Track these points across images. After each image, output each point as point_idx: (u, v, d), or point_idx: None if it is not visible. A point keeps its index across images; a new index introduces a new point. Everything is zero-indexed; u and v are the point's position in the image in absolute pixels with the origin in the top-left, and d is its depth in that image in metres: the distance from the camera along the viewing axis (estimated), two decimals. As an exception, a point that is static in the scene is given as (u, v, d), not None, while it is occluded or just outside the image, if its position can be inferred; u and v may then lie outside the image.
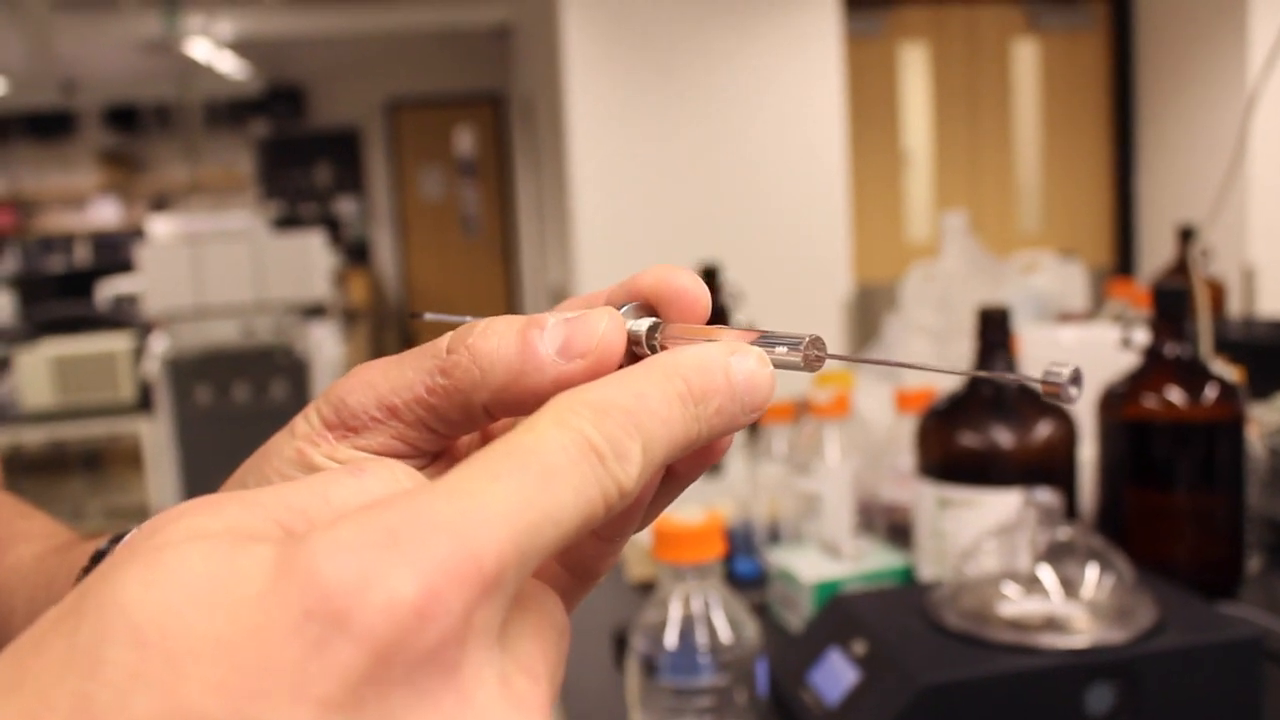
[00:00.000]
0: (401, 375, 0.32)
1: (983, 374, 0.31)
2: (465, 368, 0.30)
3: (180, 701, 0.21)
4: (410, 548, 0.22)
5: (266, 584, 0.22)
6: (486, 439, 0.35)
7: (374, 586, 0.22)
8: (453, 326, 0.34)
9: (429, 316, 0.38)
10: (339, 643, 0.22)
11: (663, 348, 0.31)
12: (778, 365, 0.30)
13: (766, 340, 0.31)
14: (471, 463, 0.25)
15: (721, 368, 0.29)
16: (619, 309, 0.32)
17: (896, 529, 1.29)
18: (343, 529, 0.23)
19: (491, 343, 0.30)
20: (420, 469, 0.32)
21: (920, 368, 0.32)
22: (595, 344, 0.30)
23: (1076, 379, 0.28)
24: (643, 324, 0.32)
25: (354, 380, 0.32)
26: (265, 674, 0.21)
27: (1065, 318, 1.90)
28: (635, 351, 0.31)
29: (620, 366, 0.30)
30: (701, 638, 0.83)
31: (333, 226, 9.16)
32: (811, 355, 0.30)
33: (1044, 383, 0.29)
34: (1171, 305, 1.15)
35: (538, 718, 0.24)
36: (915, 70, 5.14)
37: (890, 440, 1.34)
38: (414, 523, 0.23)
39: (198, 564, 0.22)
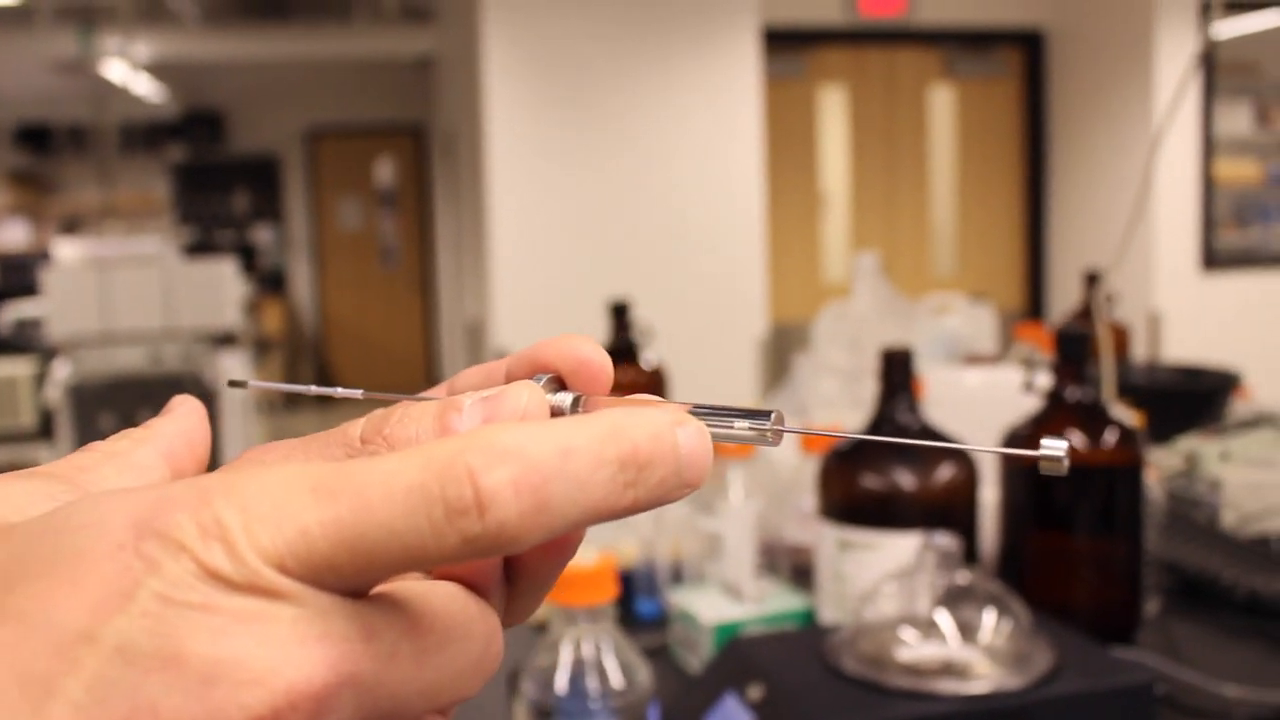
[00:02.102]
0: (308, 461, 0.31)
1: (994, 450, 0.32)
2: None
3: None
4: (203, 502, 0.24)
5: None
6: None
7: (174, 526, 0.24)
8: (284, 395, 0.33)
9: (252, 384, 0.37)
10: (143, 565, 0.24)
11: None
12: (733, 440, 0.30)
13: (707, 412, 0.30)
14: (310, 465, 0.26)
15: (670, 437, 0.27)
16: (532, 381, 0.31)
17: (800, 570, 1.28)
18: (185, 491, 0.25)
19: (410, 431, 0.30)
20: None
21: (924, 446, 0.32)
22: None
23: (1071, 454, 0.29)
24: (565, 398, 0.31)
25: (251, 464, 0.31)
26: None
27: (973, 360, 1.92)
28: None
29: None
30: (593, 682, 0.81)
31: (249, 254, 9.04)
32: (776, 430, 0.29)
33: (1043, 458, 0.29)
34: (1072, 349, 1.16)
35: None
36: (834, 112, 5.20)
37: (795, 481, 1.33)
38: (212, 490, 0.25)
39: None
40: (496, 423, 0.29)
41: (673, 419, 0.28)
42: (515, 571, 0.31)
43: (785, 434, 0.30)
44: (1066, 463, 0.29)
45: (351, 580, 0.25)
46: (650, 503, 0.27)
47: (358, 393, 0.35)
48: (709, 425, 0.29)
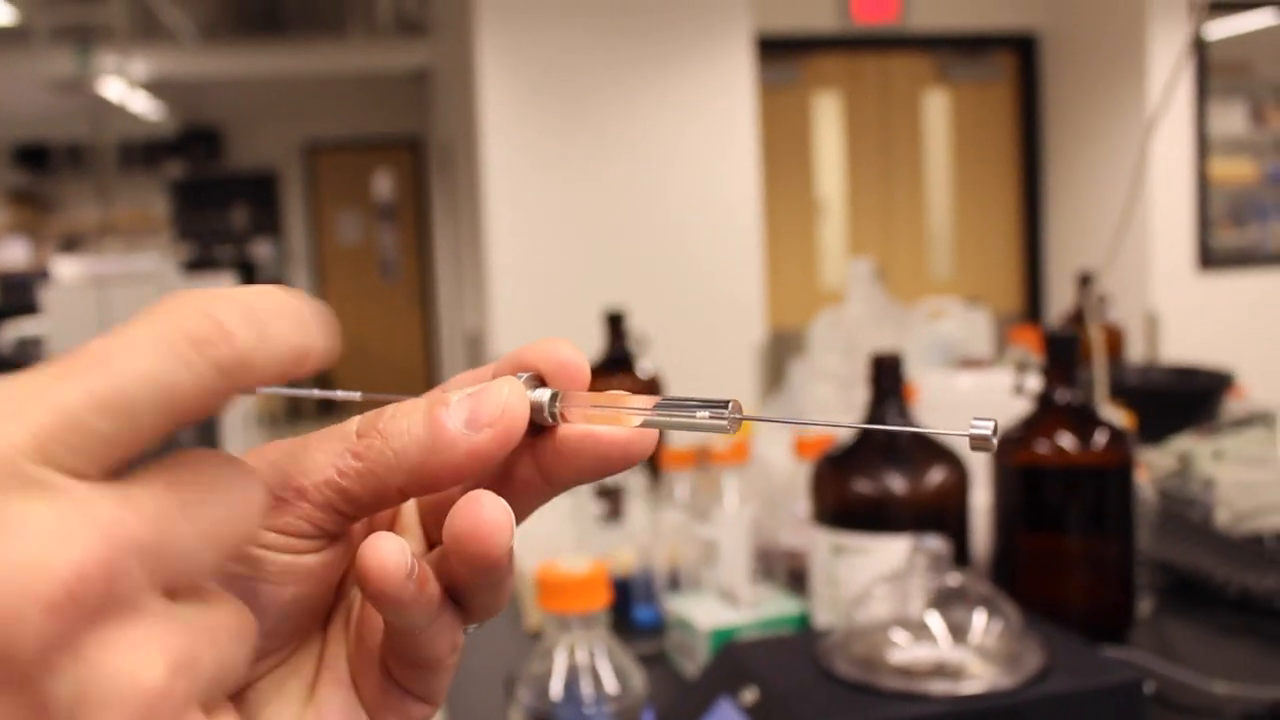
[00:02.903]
0: (310, 458, 0.32)
1: (913, 429, 0.34)
2: (379, 450, 0.32)
3: None
4: None
5: None
6: (373, 527, 0.35)
7: None
8: (302, 399, 0.35)
9: (262, 389, 0.39)
10: None
11: (563, 416, 0.33)
12: (695, 429, 0.32)
13: (671, 405, 0.32)
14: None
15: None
16: (514, 377, 0.33)
17: (796, 575, 1.29)
18: None
19: (402, 424, 0.32)
20: (317, 551, 0.33)
21: (847, 426, 0.33)
22: (500, 413, 0.31)
23: (997, 430, 0.30)
24: (544, 393, 0.33)
25: (255, 461, 0.32)
26: None
27: (967, 364, 1.92)
28: (536, 420, 0.33)
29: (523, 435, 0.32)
30: (587, 688, 0.82)
31: (248, 270, 9.05)
32: (733, 418, 0.31)
33: (971, 436, 0.30)
34: (1062, 352, 1.17)
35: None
36: (829, 119, 5.22)
37: (790, 486, 1.34)
38: None
39: None
40: (515, 408, 0.31)
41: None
42: (457, 590, 0.33)
43: (756, 427, 0.32)
44: (995, 441, 0.30)
45: (121, 444, 0.26)
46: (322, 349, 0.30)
47: (356, 395, 0.37)
48: (672, 416, 0.31)
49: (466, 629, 0.34)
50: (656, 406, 0.32)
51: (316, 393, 0.38)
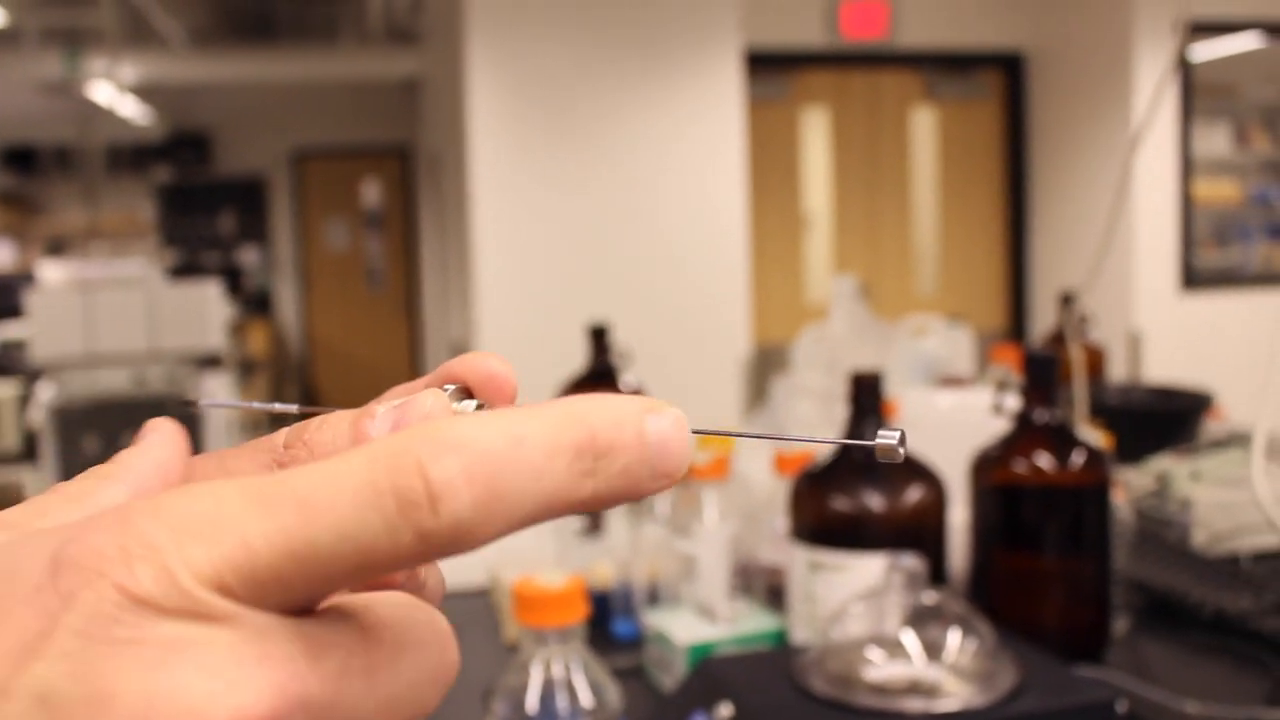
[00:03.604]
0: (239, 468, 0.32)
1: (818, 440, 0.33)
2: (303, 461, 0.31)
3: None
4: (125, 530, 0.23)
5: None
6: None
7: (94, 559, 0.23)
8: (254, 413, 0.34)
9: (204, 403, 0.40)
10: (56, 607, 0.22)
11: None
12: None
13: None
14: (245, 479, 0.25)
15: (635, 424, 0.26)
16: (439, 389, 0.33)
17: (775, 591, 1.29)
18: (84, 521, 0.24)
19: (327, 435, 0.31)
20: None
21: (757, 436, 0.34)
22: None
23: (904, 440, 0.30)
24: (468, 404, 0.33)
25: (190, 472, 0.32)
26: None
27: (948, 382, 1.93)
28: None
29: None
30: (563, 702, 0.82)
31: (235, 276, 9.04)
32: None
33: (878, 446, 0.30)
34: (1041, 372, 1.18)
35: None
36: (817, 135, 5.24)
37: (770, 503, 1.35)
38: (134, 510, 0.24)
39: None
40: (435, 419, 0.28)
41: (643, 406, 0.27)
42: None
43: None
44: (902, 451, 0.30)
45: (300, 593, 0.24)
46: (614, 494, 0.26)
47: (293, 408, 0.37)
48: None
49: None
50: None
51: (258, 405, 0.39)
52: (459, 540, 0.24)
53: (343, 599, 0.26)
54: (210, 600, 0.23)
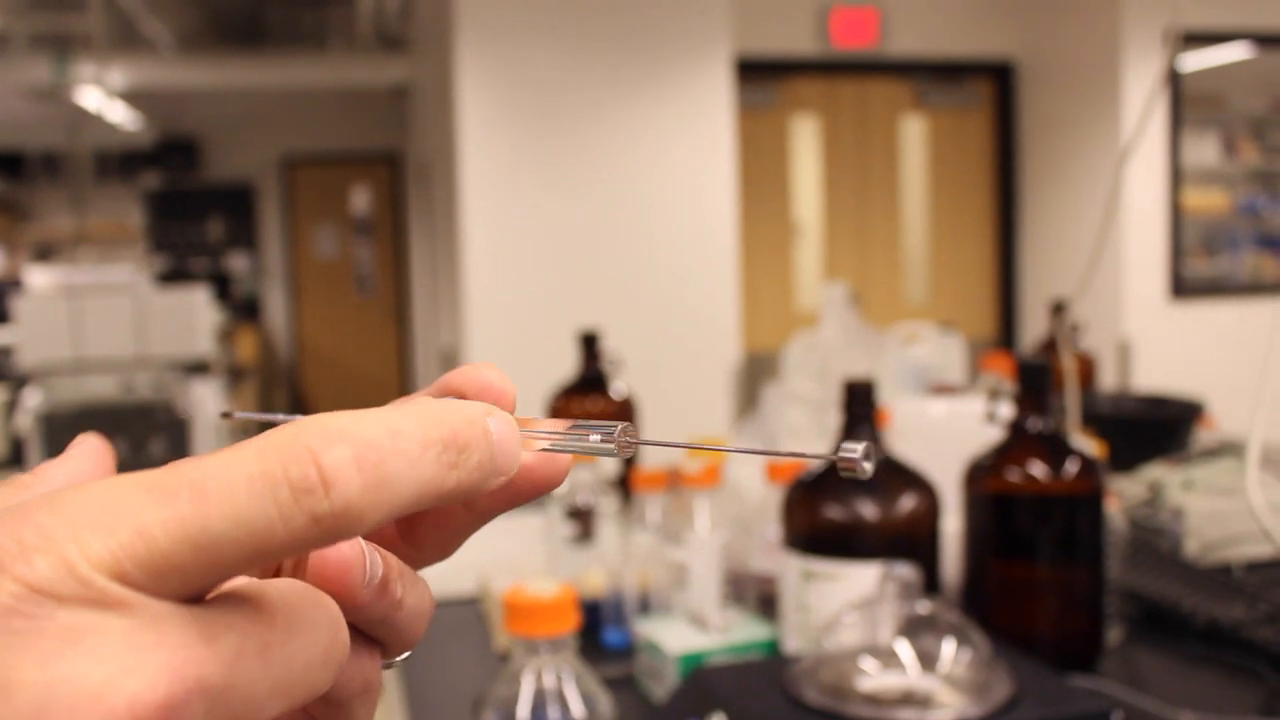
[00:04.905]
0: None
1: (783, 453, 0.33)
2: None
3: None
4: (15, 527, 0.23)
5: None
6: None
7: None
8: (269, 425, 0.34)
9: (239, 415, 0.40)
10: None
11: None
12: (590, 453, 0.32)
13: (579, 428, 0.32)
14: (140, 473, 0.25)
15: (482, 424, 0.29)
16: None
17: (767, 600, 1.28)
18: None
19: None
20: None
21: (724, 450, 0.33)
22: None
23: (869, 455, 0.30)
24: None
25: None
26: None
27: (939, 390, 1.93)
28: None
29: None
30: (554, 712, 0.81)
31: (223, 282, 9.01)
32: (623, 441, 0.31)
33: (839, 459, 0.30)
34: (1034, 380, 1.17)
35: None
36: (807, 142, 5.24)
37: (762, 511, 1.34)
38: (32, 506, 0.24)
39: None
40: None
41: (484, 409, 0.29)
42: (374, 623, 0.31)
43: (645, 447, 0.32)
44: (868, 466, 0.30)
45: (197, 579, 0.24)
46: (470, 486, 0.28)
47: (279, 417, 0.36)
48: (568, 440, 0.32)
49: (386, 664, 0.33)
50: (570, 429, 0.32)
51: (280, 417, 0.38)
52: (347, 524, 0.25)
53: (236, 584, 0.26)
54: (108, 587, 0.23)
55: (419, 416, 0.27)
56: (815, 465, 1.15)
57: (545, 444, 0.32)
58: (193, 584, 0.24)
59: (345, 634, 0.27)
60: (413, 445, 0.26)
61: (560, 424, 0.32)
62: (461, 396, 0.33)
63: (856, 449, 0.30)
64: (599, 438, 0.31)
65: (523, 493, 0.33)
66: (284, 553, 0.25)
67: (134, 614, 0.23)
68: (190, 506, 0.24)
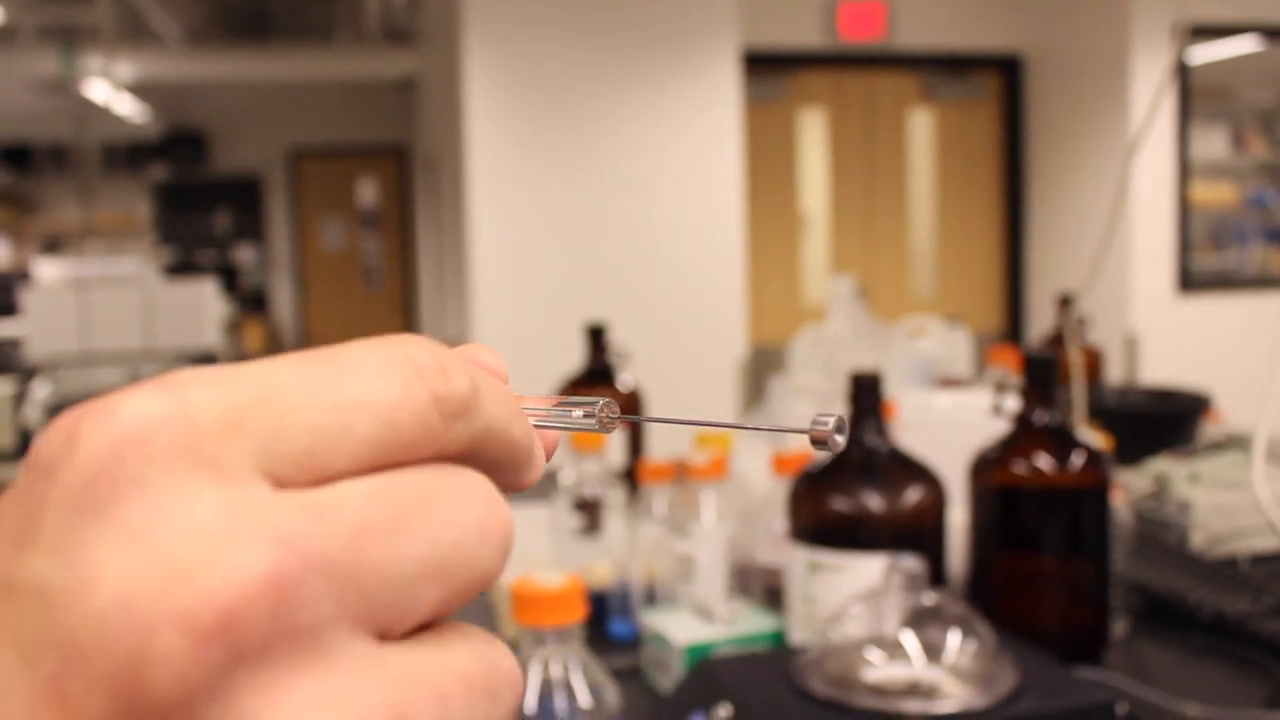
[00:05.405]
0: None
1: (753, 427, 0.33)
2: None
3: None
4: (119, 398, 0.21)
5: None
6: None
7: (70, 431, 0.20)
8: None
9: None
10: (39, 485, 0.20)
11: None
12: (574, 429, 0.32)
13: (565, 404, 0.33)
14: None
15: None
16: None
17: (773, 592, 1.29)
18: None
19: None
20: None
21: (702, 424, 0.33)
22: None
23: (841, 428, 0.29)
24: None
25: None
26: None
27: (946, 383, 1.93)
28: None
29: None
30: (561, 703, 0.82)
31: (231, 274, 9.03)
32: (604, 417, 0.32)
33: (811, 431, 0.30)
34: (1041, 373, 1.18)
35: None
36: (814, 135, 5.24)
37: (768, 503, 1.34)
38: (146, 383, 0.21)
39: None
40: None
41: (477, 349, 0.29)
42: None
43: (649, 428, 0.33)
44: (840, 439, 0.29)
45: (324, 462, 0.22)
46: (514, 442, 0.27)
47: None
48: (553, 412, 0.32)
49: None
50: (555, 405, 0.32)
51: None
52: (464, 409, 0.24)
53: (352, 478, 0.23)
54: (211, 449, 0.20)
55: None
56: (821, 457, 1.15)
57: (531, 420, 0.33)
58: (317, 465, 0.22)
59: (503, 506, 0.24)
60: (488, 382, 0.26)
61: (545, 401, 0.33)
62: None
63: (828, 421, 0.29)
64: (582, 413, 0.32)
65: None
66: (409, 441, 0.23)
67: (238, 485, 0.20)
68: (323, 370, 0.22)
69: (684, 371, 4.25)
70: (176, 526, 0.19)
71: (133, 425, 0.20)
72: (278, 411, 0.21)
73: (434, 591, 0.22)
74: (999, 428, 1.20)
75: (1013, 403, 1.20)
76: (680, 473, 1.36)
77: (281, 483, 0.21)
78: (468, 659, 0.23)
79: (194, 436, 0.20)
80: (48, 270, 4.78)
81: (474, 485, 0.24)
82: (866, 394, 1.12)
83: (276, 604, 0.19)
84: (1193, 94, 4.87)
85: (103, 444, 0.20)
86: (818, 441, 0.30)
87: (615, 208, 4.39)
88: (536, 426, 0.33)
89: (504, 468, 0.26)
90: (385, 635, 0.21)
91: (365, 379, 0.22)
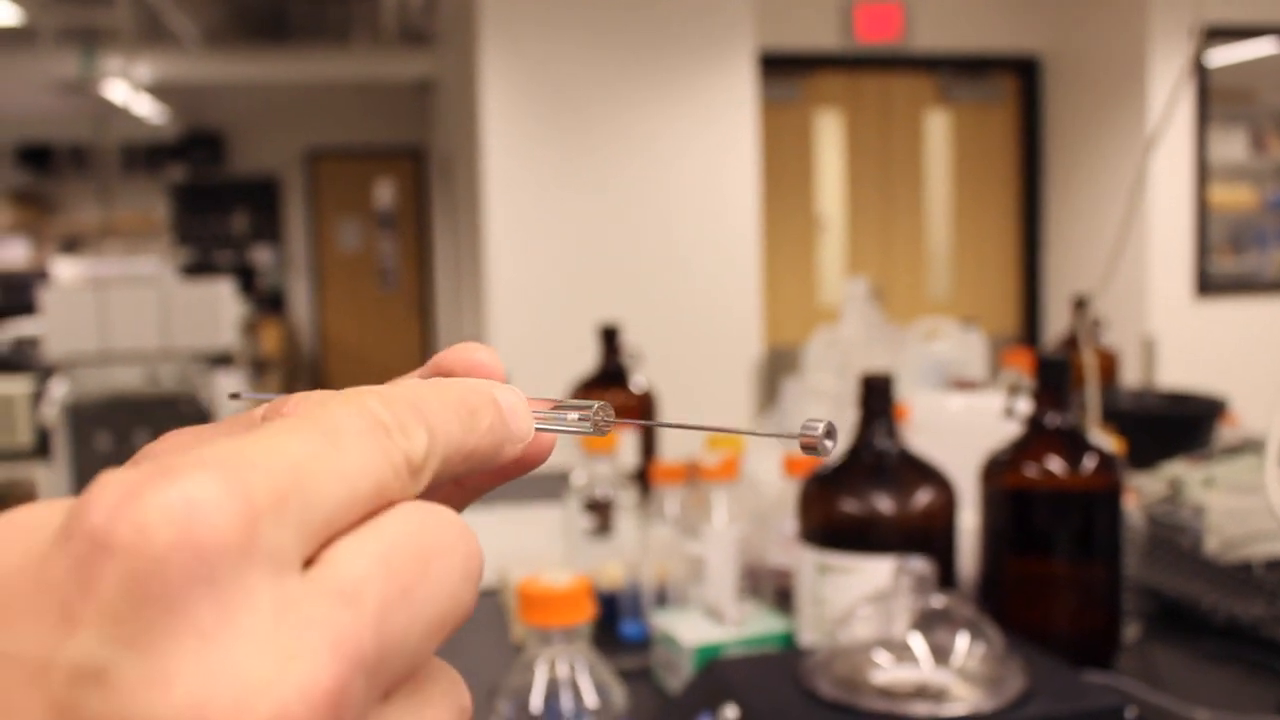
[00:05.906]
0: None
1: (749, 432, 0.33)
2: None
3: None
4: (177, 475, 0.21)
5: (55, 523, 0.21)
6: None
7: (129, 506, 0.20)
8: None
9: (246, 395, 0.40)
10: (95, 560, 0.20)
11: None
12: (570, 432, 0.33)
13: (561, 406, 0.33)
14: (265, 426, 0.25)
15: (489, 392, 0.30)
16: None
17: (783, 594, 1.28)
18: (125, 470, 0.21)
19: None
20: None
21: (693, 428, 0.34)
22: None
23: (830, 433, 0.30)
24: None
25: (168, 443, 0.31)
26: (29, 597, 0.20)
27: (960, 385, 1.93)
28: None
29: None
30: (567, 702, 0.82)
31: (248, 275, 9.06)
32: (599, 420, 0.32)
33: (800, 436, 0.30)
34: (1053, 376, 1.17)
35: (320, 660, 0.21)
36: (830, 137, 5.23)
37: (779, 505, 1.34)
38: (190, 459, 0.21)
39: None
40: None
41: (491, 384, 0.30)
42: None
43: (651, 432, 0.33)
44: (829, 444, 0.29)
45: (331, 533, 0.23)
46: (490, 447, 0.29)
47: (263, 395, 0.37)
48: (550, 415, 0.33)
49: None
50: (553, 407, 0.33)
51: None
52: (427, 460, 0.26)
53: (347, 535, 0.24)
54: (268, 544, 0.21)
55: (429, 384, 0.29)
56: (833, 458, 1.15)
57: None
58: (333, 528, 0.23)
59: (475, 543, 0.25)
60: (438, 407, 0.27)
61: (542, 404, 0.33)
62: (454, 376, 0.33)
63: (817, 426, 0.30)
64: (577, 416, 0.32)
65: (508, 470, 0.33)
66: (390, 493, 0.24)
67: (284, 572, 0.21)
68: (327, 444, 0.23)
69: (698, 373, 4.25)
70: (245, 632, 0.20)
71: (201, 514, 0.20)
72: (308, 490, 0.22)
73: (434, 645, 0.24)
74: (1011, 430, 1.20)
75: (1025, 405, 1.20)
76: (692, 474, 1.36)
77: (308, 558, 0.22)
78: (444, 711, 0.24)
79: (255, 529, 0.21)
80: (66, 270, 4.81)
81: (449, 526, 0.25)
82: (877, 396, 1.12)
83: (336, 712, 0.20)
84: (1212, 96, 4.85)
85: (171, 532, 0.20)
86: (807, 447, 0.30)
87: (630, 209, 4.39)
88: (539, 430, 0.33)
89: (473, 471, 0.29)
90: (388, 695, 0.23)
91: (354, 447, 0.24)
